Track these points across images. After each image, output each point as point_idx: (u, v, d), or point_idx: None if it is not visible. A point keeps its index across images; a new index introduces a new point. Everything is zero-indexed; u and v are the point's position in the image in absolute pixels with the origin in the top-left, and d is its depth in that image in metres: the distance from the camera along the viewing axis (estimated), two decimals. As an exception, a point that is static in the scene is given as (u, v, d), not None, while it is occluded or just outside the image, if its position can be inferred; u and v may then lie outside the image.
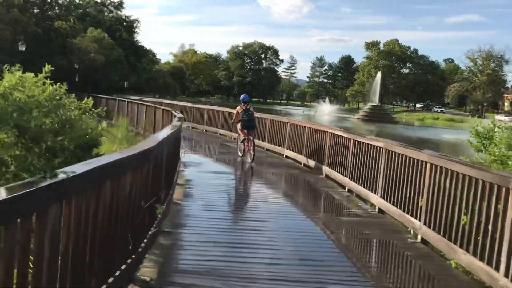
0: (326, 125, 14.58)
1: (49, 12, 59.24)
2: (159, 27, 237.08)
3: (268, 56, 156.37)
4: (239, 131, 13.16)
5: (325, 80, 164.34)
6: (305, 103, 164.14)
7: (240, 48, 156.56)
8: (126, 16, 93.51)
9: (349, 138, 10.36)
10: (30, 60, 57.93)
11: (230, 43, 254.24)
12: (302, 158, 13.50)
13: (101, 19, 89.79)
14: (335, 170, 11.09)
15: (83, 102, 9.39)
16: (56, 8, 60.99)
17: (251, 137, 12.72)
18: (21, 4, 54.76)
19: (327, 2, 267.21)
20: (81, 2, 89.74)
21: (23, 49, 32.35)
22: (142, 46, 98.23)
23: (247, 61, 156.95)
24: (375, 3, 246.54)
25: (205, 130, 22.71)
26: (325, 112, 78.61)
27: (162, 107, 18.10)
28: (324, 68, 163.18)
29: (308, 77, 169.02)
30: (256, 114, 14.13)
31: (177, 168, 9.59)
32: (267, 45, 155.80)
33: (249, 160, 12.79)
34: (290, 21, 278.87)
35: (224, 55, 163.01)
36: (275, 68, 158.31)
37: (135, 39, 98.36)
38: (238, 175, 12.54)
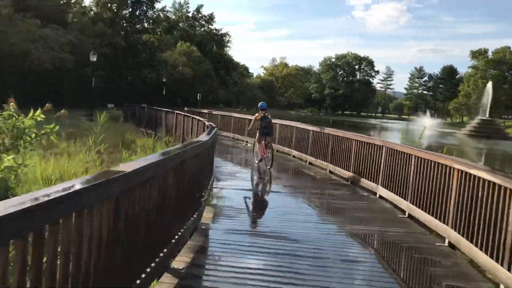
0: (376, 138, 12.26)
1: (138, 26, 58.99)
2: (254, 42, 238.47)
3: (362, 67, 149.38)
4: (257, 137, 13.00)
5: (425, 92, 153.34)
6: (403, 117, 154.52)
7: (333, 60, 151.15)
8: (216, 30, 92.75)
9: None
10: (116, 73, 57.95)
11: (323, 56, 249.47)
12: (347, 174, 11.87)
13: (191, 33, 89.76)
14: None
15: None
16: (145, 21, 60.72)
17: (270, 144, 12.74)
18: (110, 18, 54.73)
19: (426, 12, 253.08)
20: (174, 17, 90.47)
21: (94, 59, 30.56)
22: (232, 60, 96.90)
23: (340, 72, 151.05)
24: (479, 11, 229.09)
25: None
26: (427, 126, 70.89)
27: (197, 118, 16.90)
28: (423, 79, 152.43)
29: (405, 89, 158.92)
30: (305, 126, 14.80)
31: (208, 185, 8.40)
32: (362, 55, 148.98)
33: (268, 167, 12.57)
34: (386, 32, 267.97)
35: (316, 67, 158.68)
36: (370, 79, 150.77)
37: (225, 53, 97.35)
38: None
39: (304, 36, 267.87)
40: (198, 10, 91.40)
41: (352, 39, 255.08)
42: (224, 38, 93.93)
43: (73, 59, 38.74)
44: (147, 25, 61.41)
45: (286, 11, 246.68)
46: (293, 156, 16.06)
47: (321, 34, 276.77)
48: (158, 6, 63.10)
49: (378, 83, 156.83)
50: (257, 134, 12.81)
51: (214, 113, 25.53)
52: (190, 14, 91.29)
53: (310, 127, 15.07)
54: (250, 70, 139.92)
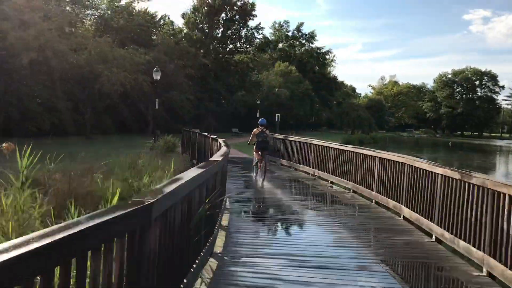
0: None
1: (230, 46, 54.94)
2: (362, 63, 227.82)
3: (484, 82, 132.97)
4: (254, 149, 13.36)
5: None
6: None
7: (449, 76, 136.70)
8: (318, 48, 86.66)
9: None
10: (204, 97, 54.29)
11: (436, 73, 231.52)
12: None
13: (291, 52, 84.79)
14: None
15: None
16: (237, 41, 56.55)
17: (264, 158, 13.12)
18: (200, 39, 51.30)
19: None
20: (273, 37, 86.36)
21: (158, 77, 25.92)
22: (335, 79, 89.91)
23: (457, 89, 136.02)
24: None
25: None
26: None
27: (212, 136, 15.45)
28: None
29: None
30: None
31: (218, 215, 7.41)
32: (482, 70, 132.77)
33: (261, 179, 13.05)
34: (510, 45, 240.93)
35: (429, 85, 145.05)
36: (494, 96, 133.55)
37: (328, 72, 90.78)
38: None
39: (415, 54, 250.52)
40: (298, 28, 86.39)
41: (470, 54, 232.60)
42: (326, 56, 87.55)
43: (149, 80, 35.05)
44: (240, 45, 57.12)
45: (395, 30, 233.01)
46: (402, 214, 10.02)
47: (434, 52, 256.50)
48: (251, 23, 58.89)
49: (503, 99, 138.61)
50: (254, 147, 13.26)
51: (290, 139, 19.25)
52: (290, 34, 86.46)
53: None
54: (358, 91, 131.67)
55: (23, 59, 23.87)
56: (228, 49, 54.28)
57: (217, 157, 7.18)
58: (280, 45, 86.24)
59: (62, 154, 10.80)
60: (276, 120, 52.18)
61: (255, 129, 13.14)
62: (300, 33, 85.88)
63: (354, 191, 12.10)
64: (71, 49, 30.51)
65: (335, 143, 14.46)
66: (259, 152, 12.95)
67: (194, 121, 54.47)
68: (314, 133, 70.23)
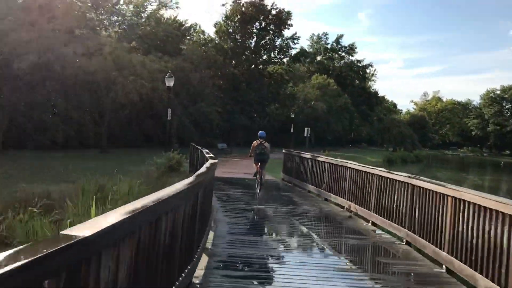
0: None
1: (264, 56, 51.13)
2: (403, 80, 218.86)
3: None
4: (253, 160, 13.31)
5: None
6: None
7: (498, 92, 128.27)
8: (358, 61, 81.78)
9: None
10: (235, 109, 50.57)
11: (481, 90, 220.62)
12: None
13: (329, 65, 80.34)
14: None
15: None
16: (272, 51, 52.50)
17: (262, 170, 13.02)
18: (231, 48, 47.81)
19: None
20: (311, 50, 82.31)
21: (171, 84, 22.30)
22: (376, 93, 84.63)
23: (506, 106, 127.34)
24: None
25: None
26: None
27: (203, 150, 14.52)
28: None
29: None
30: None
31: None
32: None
33: (258, 191, 12.90)
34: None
35: (476, 101, 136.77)
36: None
37: (369, 87, 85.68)
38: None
39: (459, 71, 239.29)
40: (337, 40, 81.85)
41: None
42: (366, 70, 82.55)
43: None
44: (274, 55, 53.11)
45: (438, 46, 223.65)
46: None
47: (479, 68, 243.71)
48: (287, 33, 54.88)
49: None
50: (253, 158, 13.21)
51: (320, 159, 14.94)
52: (328, 46, 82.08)
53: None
54: (399, 107, 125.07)
55: (21, 63, 20.86)
56: (261, 59, 50.46)
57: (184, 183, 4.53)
58: (318, 58, 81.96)
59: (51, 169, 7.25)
60: (306, 135, 47.53)
61: (254, 142, 13.26)
62: (339, 46, 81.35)
63: (408, 243, 7.93)
64: (85, 53, 27.52)
65: (380, 169, 9.92)
66: (258, 164, 12.98)
67: (223, 135, 50.89)
68: (353, 150, 65.34)
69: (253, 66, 50.05)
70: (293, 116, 54.63)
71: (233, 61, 45.77)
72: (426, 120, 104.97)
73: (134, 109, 34.85)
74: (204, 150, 13.93)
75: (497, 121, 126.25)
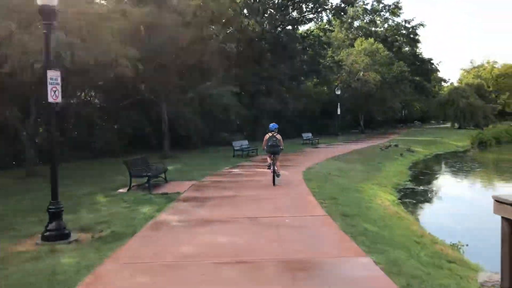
0: None
1: (293, 13, 35.36)
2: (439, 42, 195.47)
3: None
4: (267, 156, 13.52)
5: None
6: None
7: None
8: (406, 21, 64.99)
9: None
10: (258, 90, 35.41)
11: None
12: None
13: (371, 30, 63.94)
14: None
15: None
16: (303, 3, 36.51)
17: (276, 161, 13.01)
18: (248, 4, 32.35)
19: None
20: (348, 13, 65.91)
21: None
22: (430, 60, 67.57)
23: None
24: None
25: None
26: None
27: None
28: None
29: None
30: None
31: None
32: None
33: (272, 182, 12.81)
34: None
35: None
36: None
37: (420, 53, 68.69)
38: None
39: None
40: (378, -1, 65.16)
41: None
42: (416, 31, 65.59)
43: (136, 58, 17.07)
44: (307, 10, 37.19)
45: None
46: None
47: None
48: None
49: None
50: (266, 150, 13.22)
51: None
52: (368, 7, 65.51)
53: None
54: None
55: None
56: (290, 17, 34.99)
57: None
58: (356, 24, 65.66)
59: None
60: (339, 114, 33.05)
61: (266, 135, 13.19)
62: (381, 5, 64.79)
63: None
64: None
65: None
66: (271, 156, 12.96)
67: (246, 127, 35.90)
68: (415, 132, 49.34)
69: (280, 27, 34.65)
70: (338, 92, 39.10)
71: (249, 22, 30.49)
72: (484, 88, 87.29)
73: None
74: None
75: None
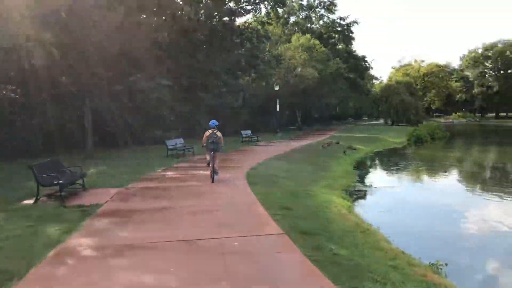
0: None
1: (230, 4, 33.50)
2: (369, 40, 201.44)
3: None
4: (205, 150, 13.20)
5: None
6: None
7: (479, 51, 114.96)
8: (341, 18, 65.27)
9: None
10: (193, 84, 33.12)
11: (454, 52, 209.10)
12: None
13: (307, 26, 63.56)
14: None
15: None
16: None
17: (215, 159, 12.82)
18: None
19: None
20: (285, 8, 65.02)
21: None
22: (364, 58, 68.39)
23: (489, 66, 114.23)
24: None
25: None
26: None
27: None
28: None
29: None
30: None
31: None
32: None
33: (211, 179, 12.65)
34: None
35: (454, 63, 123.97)
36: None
37: (354, 50, 69.31)
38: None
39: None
40: (314, -5, 64.90)
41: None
42: (351, 28, 66.11)
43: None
44: (245, 3, 35.44)
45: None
46: None
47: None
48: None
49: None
50: (205, 147, 13.04)
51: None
52: (304, 3, 65.09)
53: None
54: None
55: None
56: (227, 7, 33.08)
57: None
58: (292, 19, 64.99)
59: None
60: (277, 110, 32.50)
61: (206, 132, 13.07)
62: (317, 1, 64.51)
63: None
64: None
65: None
66: (211, 154, 12.82)
67: (182, 124, 33.62)
68: (353, 129, 49.29)
69: (216, 18, 32.69)
70: (277, 88, 37.86)
71: (185, 7, 28.19)
72: (413, 86, 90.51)
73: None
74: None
75: (482, 82, 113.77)
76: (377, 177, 19.08)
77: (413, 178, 19.02)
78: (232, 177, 13.49)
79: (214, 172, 12.70)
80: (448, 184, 17.49)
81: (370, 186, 15.93)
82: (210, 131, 12.87)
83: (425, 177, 19.53)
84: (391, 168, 22.08)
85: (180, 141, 22.55)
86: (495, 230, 10.31)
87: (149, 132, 28.25)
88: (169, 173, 14.76)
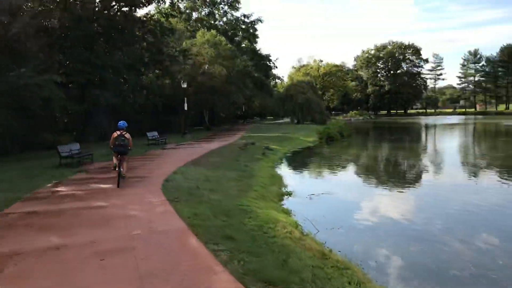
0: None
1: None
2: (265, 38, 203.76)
3: (407, 57, 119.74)
4: (113, 153, 12.44)
5: (482, 79, 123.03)
6: (457, 110, 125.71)
7: (372, 52, 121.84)
8: (245, 16, 64.08)
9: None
10: (91, 80, 29.04)
11: (345, 53, 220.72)
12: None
13: (210, 23, 61.44)
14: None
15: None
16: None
17: (123, 162, 12.25)
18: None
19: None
20: (185, 4, 62.19)
21: None
22: (268, 56, 67.94)
23: (381, 66, 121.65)
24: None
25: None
26: None
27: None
28: (481, 64, 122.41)
29: (459, 77, 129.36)
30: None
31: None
32: (406, 43, 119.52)
33: (117, 185, 11.80)
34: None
35: (349, 63, 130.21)
36: (418, 70, 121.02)
37: (258, 48, 68.55)
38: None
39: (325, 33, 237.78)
40: (217, -9, 62.96)
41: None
42: (255, 26, 65.29)
43: None
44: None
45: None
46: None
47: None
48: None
49: (426, 73, 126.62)
50: (113, 150, 12.28)
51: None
52: (207, -1, 62.81)
53: None
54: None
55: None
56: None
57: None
58: (195, 15, 62.41)
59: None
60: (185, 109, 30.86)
61: (114, 133, 12.28)
62: (219, -2, 62.53)
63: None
64: None
65: None
66: (118, 156, 12.15)
67: (77, 126, 29.58)
68: (261, 128, 48.13)
69: (115, 8, 29.08)
70: (184, 85, 35.21)
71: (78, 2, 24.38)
72: (314, 86, 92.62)
73: None
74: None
75: (375, 82, 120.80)
76: (305, 180, 17.58)
77: (344, 180, 17.77)
78: (145, 192, 10.89)
79: (120, 176, 11.99)
80: (389, 184, 16.45)
81: (306, 194, 14.21)
82: (118, 132, 12.17)
83: (355, 177, 18.46)
84: (316, 169, 20.78)
85: (76, 147, 19.10)
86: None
87: (39, 137, 24.15)
88: (63, 189, 11.70)
